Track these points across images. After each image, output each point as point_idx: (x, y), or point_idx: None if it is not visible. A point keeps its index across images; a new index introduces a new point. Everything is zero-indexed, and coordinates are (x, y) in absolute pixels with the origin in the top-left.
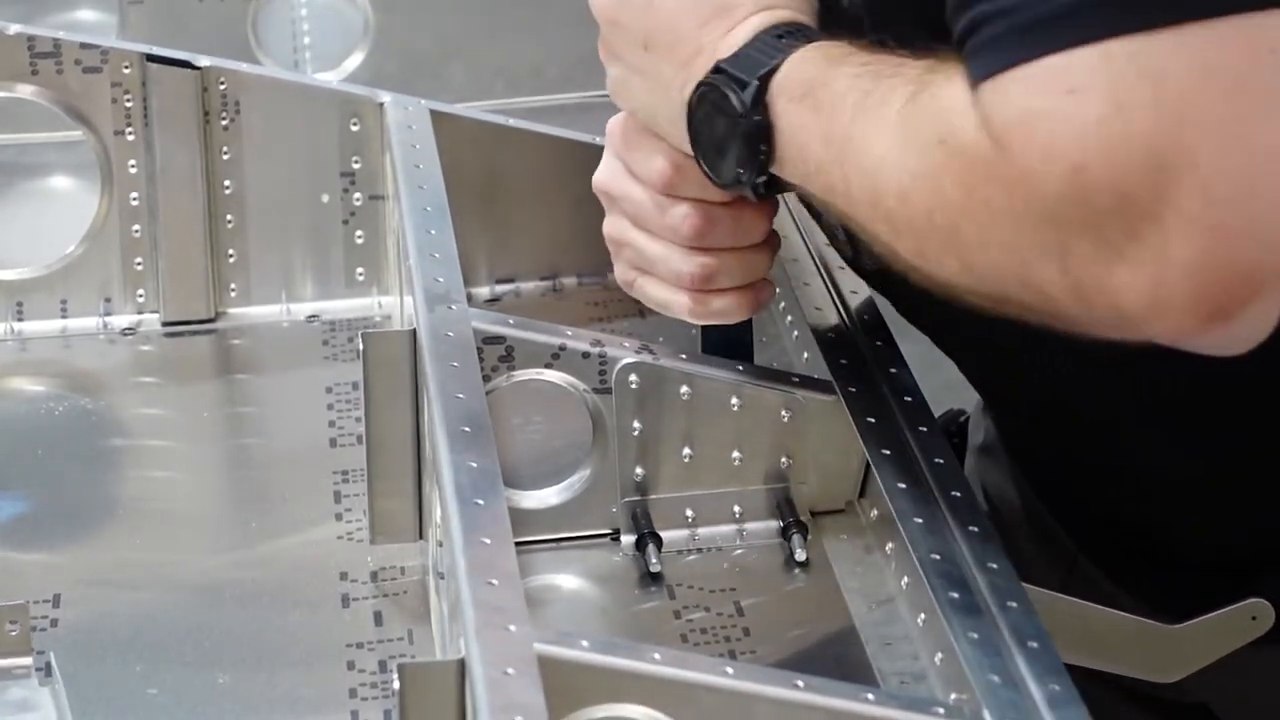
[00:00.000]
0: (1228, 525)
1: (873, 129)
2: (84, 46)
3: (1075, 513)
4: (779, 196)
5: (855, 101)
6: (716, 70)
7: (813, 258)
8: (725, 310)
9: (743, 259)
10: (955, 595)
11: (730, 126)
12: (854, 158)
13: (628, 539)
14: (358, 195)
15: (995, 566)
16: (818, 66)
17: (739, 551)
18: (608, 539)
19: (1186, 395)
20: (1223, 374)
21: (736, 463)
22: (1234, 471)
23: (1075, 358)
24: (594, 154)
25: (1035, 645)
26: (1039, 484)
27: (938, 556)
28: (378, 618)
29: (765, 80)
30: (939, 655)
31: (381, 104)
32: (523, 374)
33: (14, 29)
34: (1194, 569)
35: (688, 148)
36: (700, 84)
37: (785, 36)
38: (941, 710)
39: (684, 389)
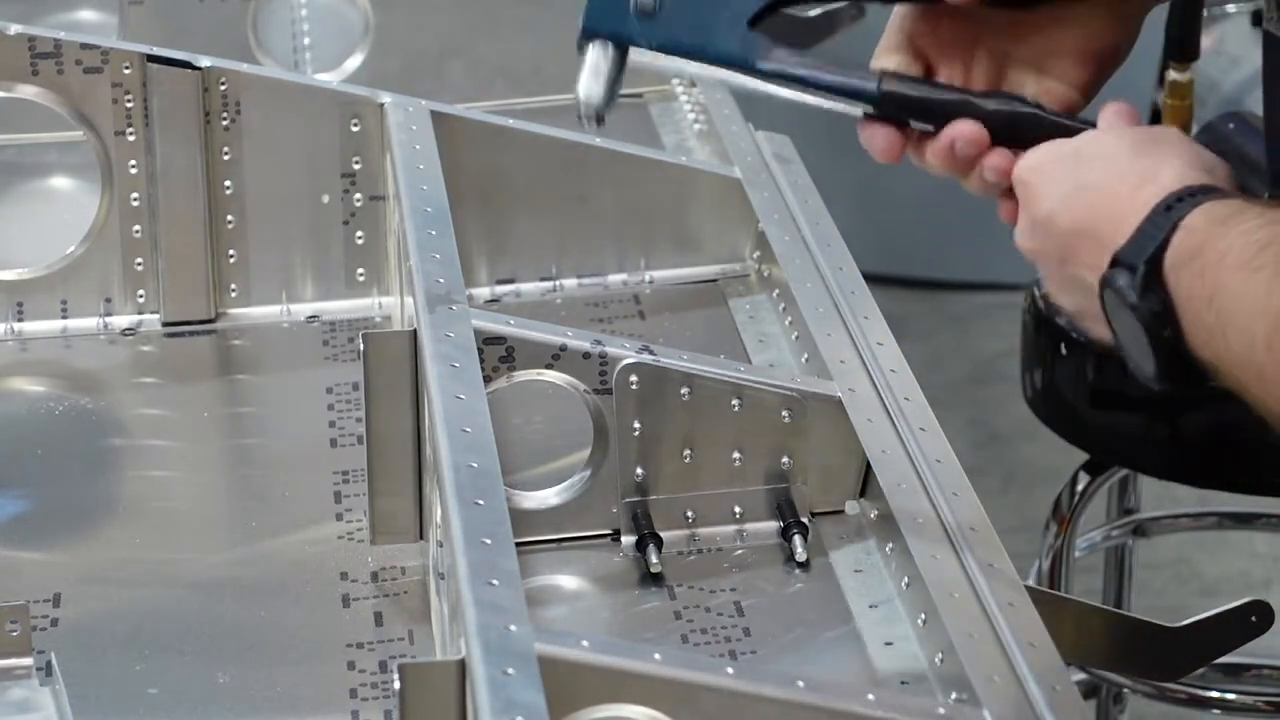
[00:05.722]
0: None
1: (1244, 280)
2: (85, 47)
3: None
4: None
5: (1239, 256)
6: (1113, 263)
7: (812, 258)
8: None
9: None
10: (955, 595)
11: (1131, 317)
12: (1228, 309)
13: (628, 539)
14: (358, 196)
15: (995, 566)
16: (1204, 230)
17: (739, 551)
18: (608, 539)
19: None
20: None
21: (737, 463)
22: None
23: None
24: (594, 154)
25: (1035, 645)
26: None
27: (937, 556)
28: (378, 618)
29: (1154, 260)
30: (939, 655)
31: (382, 104)
32: (523, 374)
33: (15, 29)
34: None
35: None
36: (1102, 280)
37: (1176, 205)
38: (941, 710)
39: (684, 389)
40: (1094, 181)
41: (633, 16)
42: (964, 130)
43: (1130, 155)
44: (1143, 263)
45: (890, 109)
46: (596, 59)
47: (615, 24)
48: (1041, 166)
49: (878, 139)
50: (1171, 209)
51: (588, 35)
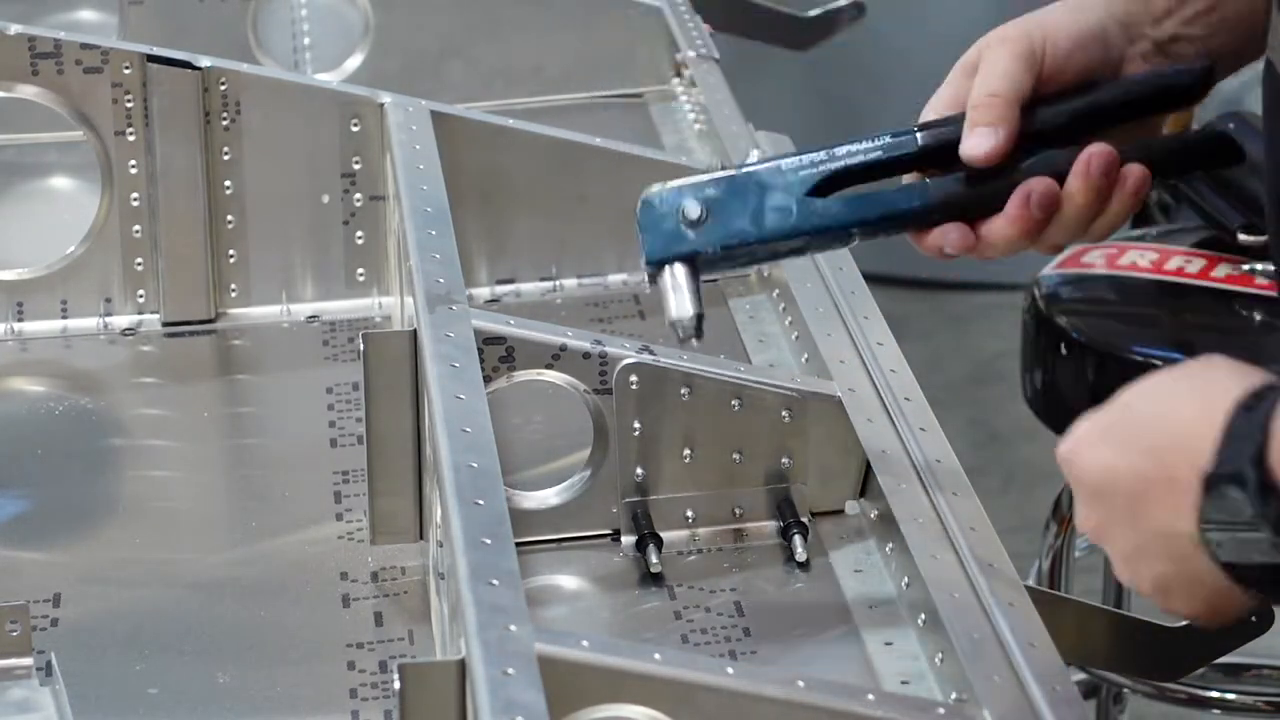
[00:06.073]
0: None
1: None
2: (85, 47)
3: None
4: None
5: None
6: (1208, 485)
7: (812, 258)
8: None
9: None
10: (955, 595)
11: (1264, 528)
12: None
13: (628, 539)
14: (358, 196)
15: (995, 566)
16: None
17: (739, 551)
18: (608, 539)
19: None
20: None
21: (737, 463)
22: None
23: None
24: (593, 154)
25: (1035, 645)
26: None
27: (937, 556)
28: (378, 618)
29: (1260, 462)
30: (939, 655)
31: (382, 104)
32: (523, 374)
33: (15, 29)
34: None
35: (1224, 584)
36: (1202, 510)
37: (1255, 406)
38: (941, 710)
39: (684, 389)
40: (1145, 424)
41: (684, 230)
42: (1037, 185)
43: (1172, 384)
44: (1250, 467)
45: (941, 209)
46: (673, 282)
47: (674, 245)
48: (1082, 437)
49: (950, 235)
50: (1252, 409)
51: (655, 265)
